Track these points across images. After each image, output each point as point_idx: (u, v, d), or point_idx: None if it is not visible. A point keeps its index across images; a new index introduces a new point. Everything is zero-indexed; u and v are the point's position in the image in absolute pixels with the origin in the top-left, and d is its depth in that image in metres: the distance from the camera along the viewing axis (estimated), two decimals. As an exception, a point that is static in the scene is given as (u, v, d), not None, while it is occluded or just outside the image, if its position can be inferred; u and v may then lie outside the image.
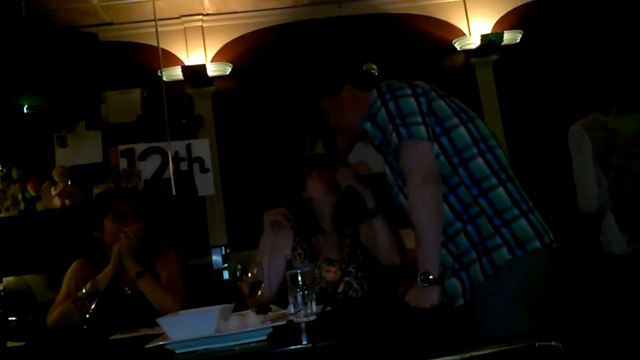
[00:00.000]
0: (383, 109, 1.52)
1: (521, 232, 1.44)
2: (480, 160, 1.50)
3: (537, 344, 0.86)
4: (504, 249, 1.43)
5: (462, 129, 1.52)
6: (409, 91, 1.53)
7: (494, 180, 1.48)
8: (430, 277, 1.41)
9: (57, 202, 3.15)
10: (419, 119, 1.48)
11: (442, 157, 1.50)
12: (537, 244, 1.44)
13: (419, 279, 1.43)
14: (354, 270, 1.93)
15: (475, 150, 1.50)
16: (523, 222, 1.45)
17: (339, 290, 1.86)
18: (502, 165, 1.52)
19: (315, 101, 1.81)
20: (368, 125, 1.61)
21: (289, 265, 1.96)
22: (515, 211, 1.46)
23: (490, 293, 1.43)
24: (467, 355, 0.83)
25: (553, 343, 0.86)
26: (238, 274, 1.58)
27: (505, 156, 1.56)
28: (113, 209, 2.04)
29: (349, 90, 1.72)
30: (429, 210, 1.44)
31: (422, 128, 1.47)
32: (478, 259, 1.45)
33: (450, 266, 1.48)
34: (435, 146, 1.49)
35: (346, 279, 1.91)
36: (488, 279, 1.43)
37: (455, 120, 1.53)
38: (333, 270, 1.92)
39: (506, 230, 1.44)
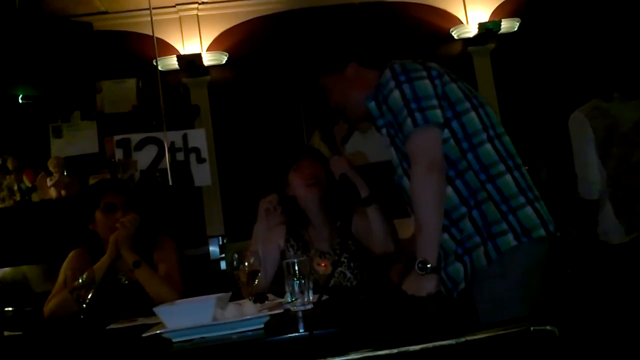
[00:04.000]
0: (397, 92, 1.49)
1: (527, 219, 1.44)
2: (489, 146, 1.49)
3: (532, 328, 0.87)
4: (510, 235, 1.43)
5: (472, 114, 1.51)
6: (424, 73, 1.50)
7: (502, 167, 1.48)
8: (428, 265, 1.42)
9: (53, 192, 3.14)
10: (435, 102, 1.46)
11: (451, 141, 1.48)
12: (542, 232, 1.44)
13: (416, 267, 1.43)
14: (345, 260, 1.93)
15: (484, 136, 1.49)
16: (529, 209, 1.45)
17: (330, 285, 1.86)
18: (510, 153, 1.52)
19: (317, 78, 1.73)
20: (372, 104, 1.58)
21: (283, 256, 1.96)
22: (522, 199, 1.46)
23: (493, 276, 1.43)
24: (462, 340, 0.84)
25: (548, 328, 0.86)
26: (235, 263, 1.58)
27: (512, 144, 1.56)
28: (102, 202, 2.03)
29: (354, 68, 1.66)
30: (432, 200, 1.44)
31: (439, 112, 1.45)
32: (482, 243, 1.45)
33: (453, 251, 1.48)
34: (446, 130, 1.48)
35: (339, 269, 1.91)
36: (491, 263, 1.43)
37: (467, 104, 1.51)
38: (324, 264, 1.93)
39: (512, 217, 1.44)
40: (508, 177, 1.47)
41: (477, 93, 1.58)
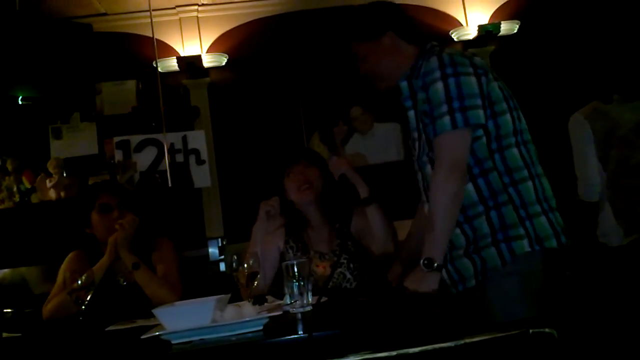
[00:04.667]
0: (441, 84, 1.44)
1: (541, 228, 1.46)
2: (516, 150, 1.49)
3: (530, 330, 0.87)
4: (525, 241, 1.44)
5: (508, 116, 1.50)
6: (470, 69, 1.46)
7: (525, 173, 1.49)
8: (435, 264, 1.43)
9: (52, 194, 3.14)
10: (479, 101, 1.44)
11: (483, 139, 1.47)
12: (554, 243, 1.46)
13: (422, 263, 1.44)
14: (345, 261, 1.93)
15: (513, 140, 1.50)
16: (544, 219, 1.47)
17: (328, 287, 1.86)
18: (533, 161, 1.53)
19: (349, 43, 1.68)
20: (404, 84, 1.58)
21: (282, 258, 1.96)
22: (538, 207, 1.47)
23: (507, 274, 1.44)
24: (461, 342, 0.84)
25: (547, 330, 0.86)
26: (234, 264, 1.58)
27: (536, 152, 1.57)
28: (97, 203, 2.03)
29: (391, 38, 1.62)
30: (450, 202, 1.43)
31: (481, 112, 1.43)
32: (493, 244, 1.46)
33: (461, 246, 1.49)
34: (480, 130, 1.47)
35: (339, 270, 1.91)
36: (505, 265, 1.44)
37: (505, 105, 1.50)
38: (322, 265, 1.93)
39: (529, 224, 1.46)
40: (530, 184, 1.48)
41: (512, 94, 1.57)
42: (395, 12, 1.66)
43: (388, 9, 1.66)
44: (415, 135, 1.61)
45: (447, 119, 1.43)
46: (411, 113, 1.60)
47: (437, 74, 1.46)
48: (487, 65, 1.53)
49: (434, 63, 1.48)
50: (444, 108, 1.43)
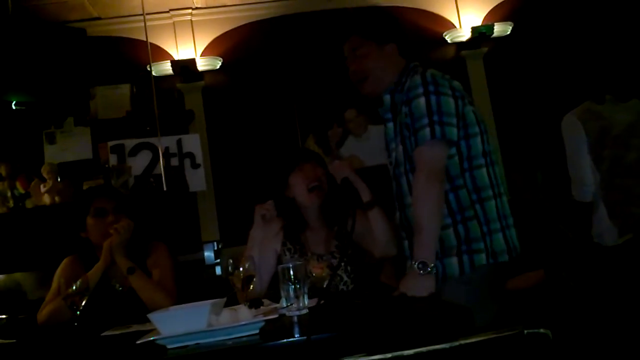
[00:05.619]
0: (423, 99, 1.56)
1: (498, 244, 1.58)
2: (484, 170, 1.61)
3: (525, 331, 0.88)
4: (484, 255, 1.56)
5: (478, 139, 1.61)
6: (450, 91, 1.58)
7: (490, 192, 1.60)
8: (429, 266, 1.49)
9: (46, 199, 3.13)
10: (455, 120, 1.56)
11: (456, 158, 1.58)
12: (506, 257, 1.58)
13: (416, 267, 1.49)
14: (343, 264, 1.92)
15: (482, 161, 1.61)
16: (500, 235, 1.59)
17: (324, 286, 1.85)
18: (498, 182, 1.64)
19: (351, 37, 1.74)
20: (387, 98, 1.69)
21: (279, 260, 1.95)
22: (498, 224, 1.59)
23: (462, 281, 1.55)
24: (457, 343, 0.84)
25: (542, 330, 0.87)
26: (230, 268, 1.58)
27: (501, 173, 1.67)
28: (92, 207, 2.03)
29: (393, 49, 1.72)
30: (433, 205, 1.53)
31: (455, 130, 1.55)
32: (456, 254, 1.56)
33: None
34: (453, 148, 1.58)
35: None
36: (463, 274, 1.55)
37: (476, 129, 1.61)
38: (320, 267, 1.92)
39: (489, 239, 1.57)
40: (493, 202, 1.60)
41: (483, 119, 1.67)
42: (400, 28, 1.78)
43: (396, 22, 1.78)
44: (393, 145, 1.71)
45: (427, 131, 1.54)
46: (390, 125, 1.72)
47: (420, 90, 1.57)
48: (462, 90, 1.64)
49: (418, 80, 1.59)
50: (425, 121, 1.55)
